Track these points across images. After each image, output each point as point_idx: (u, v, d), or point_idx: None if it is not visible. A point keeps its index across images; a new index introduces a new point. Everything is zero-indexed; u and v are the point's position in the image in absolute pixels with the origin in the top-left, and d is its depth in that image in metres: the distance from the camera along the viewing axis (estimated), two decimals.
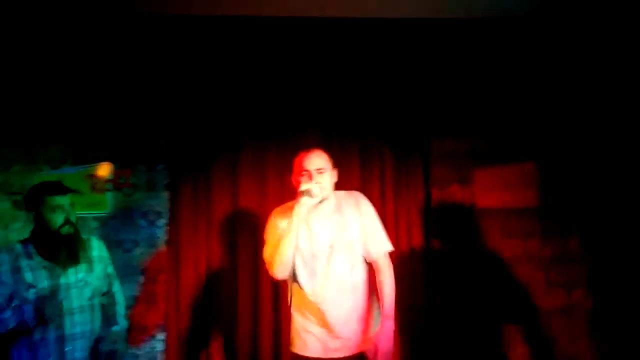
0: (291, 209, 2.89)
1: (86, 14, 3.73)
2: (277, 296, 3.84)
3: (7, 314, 2.61)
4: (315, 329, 2.90)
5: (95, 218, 3.89)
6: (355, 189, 3.31)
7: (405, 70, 4.04)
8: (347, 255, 2.91)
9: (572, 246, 4.01)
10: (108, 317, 2.91)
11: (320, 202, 2.89)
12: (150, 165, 3.98)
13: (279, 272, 2.88)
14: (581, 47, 4.01)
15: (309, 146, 2.99)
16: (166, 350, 3.85)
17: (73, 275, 2.76)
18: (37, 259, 2.72)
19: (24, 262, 2.71)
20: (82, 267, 2.80)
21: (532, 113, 4.06)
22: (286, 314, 3.06)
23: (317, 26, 3.92)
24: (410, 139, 4.06)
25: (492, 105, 4.06)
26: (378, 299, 2.94)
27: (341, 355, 2.88)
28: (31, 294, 2.65)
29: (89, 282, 2.81)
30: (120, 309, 2.98)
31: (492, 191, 4.04)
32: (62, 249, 2.74)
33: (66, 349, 2.70)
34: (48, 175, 3.78)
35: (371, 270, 2.98)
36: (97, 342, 2.80)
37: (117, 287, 3.01)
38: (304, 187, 2.81)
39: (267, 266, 2.94)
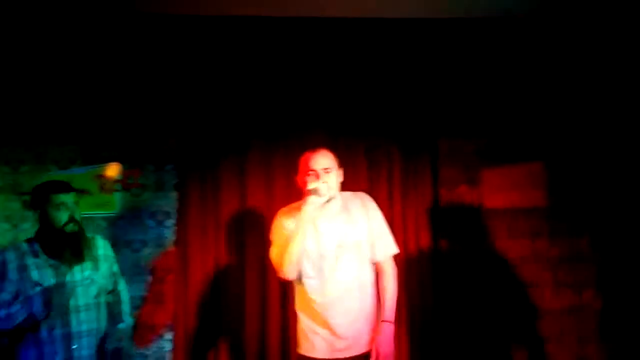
0: (297, 209, 2.90)
1: (97, 14, 3.75)
2: (285, 296, 3.84)
3: (16, 307, 2.62)
4: (321, 330, 2.89)
5: (103, 218, 3.90)
6: (363, 189, 3.32)
7: (413, 71, 4.03)
8: (354, 255, 2.91)
9: (581, 246, 3.99)
10: (114, 315, 2.92)
11: (327, 201, 2.90)
12: (158, 166, 3.99)
13: (289, 272, 2.88)
14: (589, 45, 4.00)
15: (315, 146, 2.99)
16: (174, 350, 3.86)
17: (79, 274, 2.77)
18: (43, 257, 2.74)
19: (30, 261, 2.72)
20: (88, 265, 2.82)
21: (539, 113, 4.05)
22: (294, 314, 3.06)
23: (325, 26, 3.93)
24: (418, 140, 4.06)
25: (500, 105, 4.05)
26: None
27: (348, 355, 2.86)
28: (37, 291, 2.66)
29: (94, 280, 2.81)
30: (126, 307, 3.00)
31: (500, 191, 4.03)
32: (67, 247, 2.76)
33: (72, 347, 2.70)
34: (57, 175, 3.78)
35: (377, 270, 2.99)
36: (104, 339, 2.80)
37: (122, 286, 3.02)
38: (311, 185, 2.82)
39: (275, 267, 2.95)
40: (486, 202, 4.02)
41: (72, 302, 2.71)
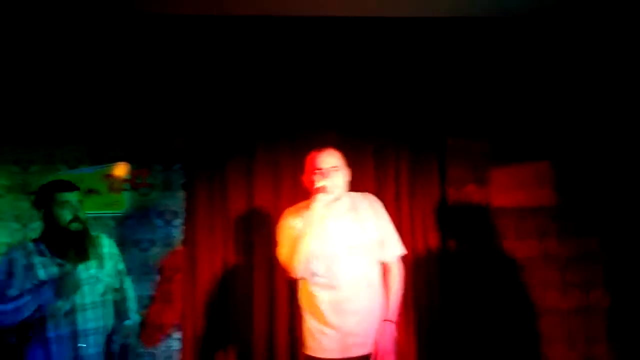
0: (304, 209, 2.90)
1: (103, 14, 3.77)
2: (293, 295, 3.83)
3: (26, 298, 2.63)
4: (329, 330, 2.88)
5: (112, 217, 3.92)
6: (371, 189, 3.33)
7: (421, 70, 4.03)
8: (363, 254, 2.91)
9: (589, 246, 3.98)
10: (120, 313, 2.93)
11: (335, 201, 2.90)
12: (166, 165, 4.00)
13: (299, 270, 2.88)
14: (596, 44, 3.99)
15: (322, 146, 2.99)
16: (182, 349, 3.86)
17: (84, 272, 2.77)
18: (49, 256, 2.76)
19: (37, 260, 2.74)
20: (93, 263, 2.83)
21: (546, 112, 4.04)
22: (301, 313, 3.06)
23: (333, 26, 3.93)
24: (425, 139, 4.05)
25: (507, 104, 4.04)
26: None
27: (359, 354, 2.85)
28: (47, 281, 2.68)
29: (100, 278, 2.83)
30: (132, 305, 3.01)
31: (508, 191, 4.02)
32: (72, 246, 2.77)
33: (79, 345, 2.72)
34: (66, 175, 3.79)
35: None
36: (110, 337, 2.82)
37: (128, 284, 3.03)
38: (319, 184, 2.82)
39: (284, 266, 2.95)
40: (494, 201, 4.01)
41: (78, 300, 2.73)
